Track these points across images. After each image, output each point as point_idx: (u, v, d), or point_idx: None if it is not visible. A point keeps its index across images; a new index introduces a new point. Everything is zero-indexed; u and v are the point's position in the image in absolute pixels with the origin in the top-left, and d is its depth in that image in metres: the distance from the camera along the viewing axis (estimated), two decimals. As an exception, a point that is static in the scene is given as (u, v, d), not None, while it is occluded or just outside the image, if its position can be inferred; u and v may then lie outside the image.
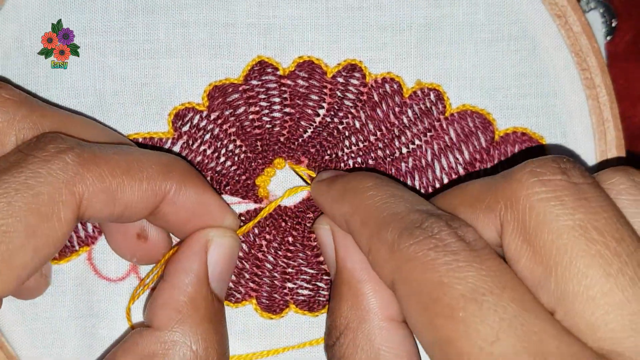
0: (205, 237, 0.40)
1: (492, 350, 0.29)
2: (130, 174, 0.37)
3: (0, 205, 0.33)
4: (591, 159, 0.46)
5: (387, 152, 0.46)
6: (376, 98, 0.46)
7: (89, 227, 0.45)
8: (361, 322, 0.36)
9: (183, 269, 0.39)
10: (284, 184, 0.46)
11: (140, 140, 0.45)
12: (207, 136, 0.45)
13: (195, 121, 0.45)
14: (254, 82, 0.45)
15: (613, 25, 0.50)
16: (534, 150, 0.46)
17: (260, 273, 0.46)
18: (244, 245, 0.45)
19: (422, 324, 0.31)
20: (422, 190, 0.46)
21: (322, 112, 0.45)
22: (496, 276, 0.30)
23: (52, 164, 0.35)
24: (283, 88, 0.45)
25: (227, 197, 0.45)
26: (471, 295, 0.29)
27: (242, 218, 0.46)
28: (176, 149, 0.45)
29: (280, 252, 0.46)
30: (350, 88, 0.45)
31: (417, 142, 0.46)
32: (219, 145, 0.45)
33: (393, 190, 0.37)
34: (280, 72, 0.45)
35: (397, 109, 0.46)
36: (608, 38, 0.50)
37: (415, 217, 0.34)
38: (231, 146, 0.45)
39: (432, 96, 0.46)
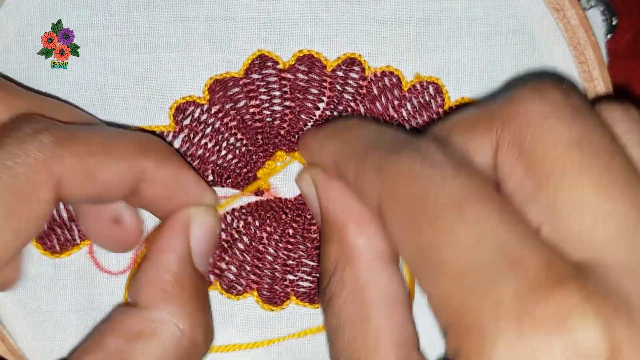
0: (186, 215, 0.40)
1: (471, 256, 0.28)
2: (108, 152, 0.37)
3: None
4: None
5: (387, 144, 0.46)
6: (375, 91, 0.46)
7: (91, 220, 0.46)
8: (349, 261, 0.36)
9: (167, 248, 0.39)
10: (285, 176, 0.46)
11: (141, 133, 0.45)
12: (208, 129, 0.45)
13: (196, 115, 0.45)
14: (255, 76, 0.45)
15: (613, 23, 0.50)
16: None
17: (261, 265, 0.46)
18: (244, 238, 0.46)
19: (405, 236, 0.31)
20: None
21: (322, 105, 0.46)
22: (480, 189, 0.30)
23: (28, 144, 0.35)
24: (283, 82, 0.45)
25: (229, 190, 0.46)
26: (454, 204, 0.30)
27: (244, 210, 0.46)
28: (177, 142, 0.45)
29: (280, 245, 0.46)
30: (350, 82, 0.46)
31: (416, 135, 0.46)
32: (220, 139, 0.46)
33: (381, 126, 0.37)
34: (280, 66, 0.45)
35: (396, 102, 0.46)
36: (608, 36, 0.50)
37: (402, 138, 0.34)
38: (232, 139, 0.46)
39: (431, 89, 0.46)
